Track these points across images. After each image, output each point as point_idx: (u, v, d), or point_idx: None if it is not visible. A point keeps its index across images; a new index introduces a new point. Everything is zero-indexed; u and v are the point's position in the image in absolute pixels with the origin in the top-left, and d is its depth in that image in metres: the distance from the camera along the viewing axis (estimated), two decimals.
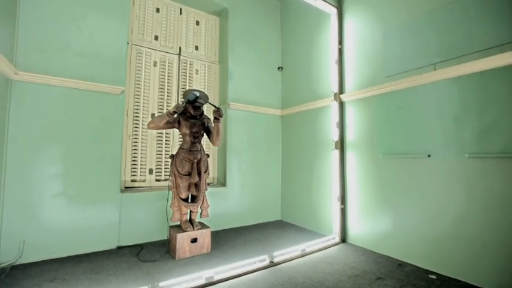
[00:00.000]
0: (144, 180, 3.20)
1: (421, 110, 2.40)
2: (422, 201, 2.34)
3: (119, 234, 2.75)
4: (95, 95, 2.68)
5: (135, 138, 3.17)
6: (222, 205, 3.46)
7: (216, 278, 2.03)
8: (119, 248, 2.71)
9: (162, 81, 3.40)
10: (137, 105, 3.20)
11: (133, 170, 3.13)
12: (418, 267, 2.31)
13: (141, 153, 3.19)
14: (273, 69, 4.16)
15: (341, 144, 3.09)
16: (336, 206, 3.01)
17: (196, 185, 2.64)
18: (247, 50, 3.88)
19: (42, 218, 2.40)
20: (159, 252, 2.62)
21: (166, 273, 2.16)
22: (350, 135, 3.04)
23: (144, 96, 3.25)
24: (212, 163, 3.78)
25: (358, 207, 2.89)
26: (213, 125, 2.72)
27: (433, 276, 2.13)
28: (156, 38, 3.41)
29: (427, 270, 2.26)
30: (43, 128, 2.44)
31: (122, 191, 2.87)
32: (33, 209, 2.37)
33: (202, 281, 1.97)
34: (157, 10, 3.44)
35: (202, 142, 2.74)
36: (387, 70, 2.68)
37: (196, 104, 2.63)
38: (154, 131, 3.27)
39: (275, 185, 4.04)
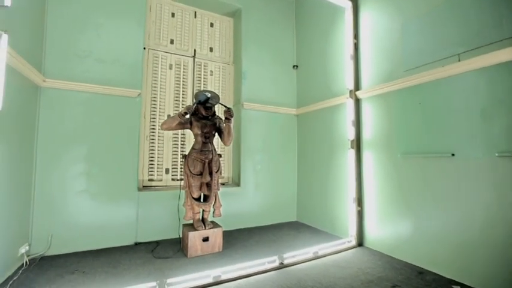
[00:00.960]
0: (161, 180, 3.32)
1: (443, 105, 2.21)
2: (446, 204, 2.15)
3: (137, 231, 2.87)
4: (113, 98, 2.84)
5: (152, 139, 3.30)
6: (236, 205, 3.48)
7: (224, 277, 2.04)
8: (136, 244, 2.84)
9: (177, 84, 3.50)
10: (154, 107, 3.33)
11: (150, 169, 3.26)
12: (441, 277, 2.12)
13: (158, 154, 3.32)
14: (288, 67, 4.10)
15: (357, 144, 2.95)
16: (352, 208, 2.88)
17: (208, 185, 2.68)
18: (261, 49, 3.86)
19: (67, 213, 2.59)
20: (173, 249, 2.70)
21: (176, 270, 2.21)
22: (367, 134, 2.89)
23: (160, 98, 3.37)
24: (227, 163, 3.81)
25: (376, 210, 2.74)
26: (224, 125, 2.74)
27: (458, 287, 1.95)
28: (171, 41, 3.52)
29: (451, 280, 2.07)
30: (68, 130, 2.63)
31: (139, 189, 3.00)
32: (59, 205, 2.57)
33: (209, 280, 1.99)
34: (173, 15, 3.56)
35: (214, 142, 2.78)
36: (406, 64, 2.51)
37: (208, 104, 2.66)
38: (170, 132, 3.38)
39: (291, 186, 3.97)
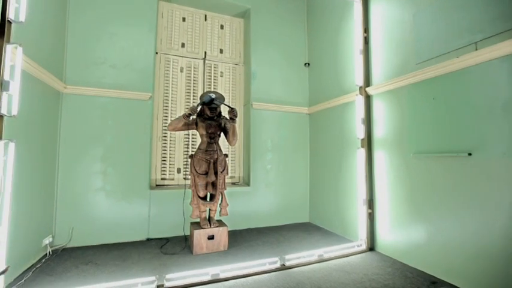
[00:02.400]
0: (173, 179, 3.45)
1: (459, 100, 2.01)
2: (464, 208, 1.95)
3: (148, 227, 3.02)
4: (127, 102, 3.01)
5: (164, 140, 3.44)
6: (246, 204, 3.50)
7: (222, 275, 2.06)
8: (148, 240, 2.99)
9: (188, 86, 3.62)
10: (166, 109, 3.47)
11: (163, 169, 3.41)
12: None
13: (170, 154, 3.45)
14: (299, 65, 4.01)
15: (368, 142, 2.80)
16: (362, 210, 2.74)
17: (214, 184, 2.73)
18: (271, 48, 3.83)
19: (86, 209, 2.81)
20: (181, 246, 2.79)
21: (180, 266, 2.29)
22: (379, 132, 2.73)
23: (172, 100, 3.51)
24: (238, 163, 3.85)
25: (389, 213, 2.57)
26: (229, 125, 2.77)
27: None
28: (182, 45, 3.64)
29: None
30: (86, 132, 2.85)
31: (151, 188, 3.14)
32: (79, 201, 2.79)
33: (208, 278, 2.03)
34: (184, 19, 3.68)
35: (220, 143, 2.82)
36: (418, 56, 2.32)
37: (212, 105, 2.71)
38: (182, 133, 3.49)
39: (303, 186, 3.89)
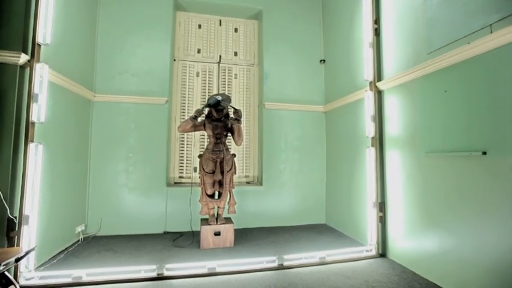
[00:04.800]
0: (189, 177, 3.68)
1: (471, 92, 1.77)
2: (479, 216, 1.71)
3: (166, 221, 3.28)
4: (146, 106, 3.32)
5: (182, 141, 3.68)
6: (258, 204, 3.55)
7: (218, 270, 2.16)
8: (165, 233, 3.24)
9: (203, 89, 3.81)
10: (183, 112, 3.71)
11: (180, 168, 3.66)
12: None
13: (187, 154, 3.69)
14: (315, 63, 3.91)
15: (380, 141, 2.62)
16: (372, 213, 2.57)
17: (220, 183, 2.85)
18: (285, 47, 3.81)
19: (113, 203, 3.18)
20: (191, 240, 2.97)
21: (185, 258, 2.44)
22: (391, 130, 2.54)
23: (188, 103, 3.74)
24: (252, 163, 3.92)
25: (404, 217, 2.37)
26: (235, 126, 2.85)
27: None
28: (198, 51, 3.85)
29: None
30: (112, 135, 3.22)
31: (168, 185, 3.40)
32: (107, 195, 3.17)
33: (204, 270, 2.15)
34: (199, 26, 3.88)
35: (228, 142, 2.92)
36: (430, 45, 2.10)
37: (219, 107, 2.82)
38: (198, 134, 3.70)
39: (319, 186, 3.78)
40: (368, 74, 2.67)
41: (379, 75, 2.66)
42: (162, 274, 2.07)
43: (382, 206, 2.57)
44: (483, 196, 1.69)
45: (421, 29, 2.20)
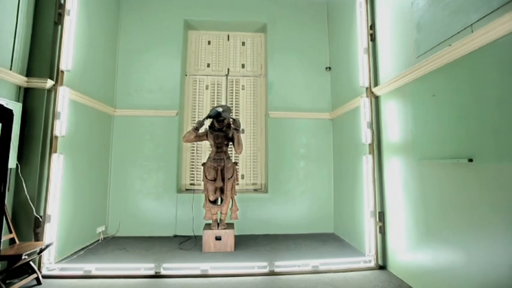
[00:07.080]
0: (200, 184, 3.89)
1: (457, 96, 1.69)
2: (474, 229, 1.59)
3: (176, 225, 3.51)
4: (159, 119, 3.64)
5: (192, 150, 3.93)
6: (263, 211, 3.61)
7: (210, 272, 2.28)
8: (175, 236, 3.47)
9: (212, 101, 4.04)
10: (193, 124, 3.96)
11: (191, 175, 3.90)
12: None
13: (197, 162, 3.92)
14: (320, 70, 3.93)
15: (378, 148, 2.56)
16: (370, 223, 2.49)
17: (222, 189, 3.00)
18: (289, 56, 3.90)
19: (130, 207, 3.51)
20: (195, 244, 3.14)
21: (185, 259, 2.62)
22: (388, 137, 2.46)
23: (198, 115, 4.00)
24: (259, 171, 4.01)
25: (403, 228, 2.26)
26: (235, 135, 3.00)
27: None
28: (208, 65, 4.12)
29: None
30: (130, 145, 3.58)
31: (178, 191, 3.65)
32: (125, 200, 3.51)
33: (197, 272, 2.28)
34: (209, 42, 4.16)
35: (232, 151, 3.07)
36: (418, 48, 2.05)
37: (220, 118, 3.00)
38: (207, 144, 3.91)
39: (327, 195, 3.72)
40: (364, 80, 2.64)
41: (375, 81, 2.61)
42: (159, 273, 2.25)
43: (381, 216, 2.48)
44: (474, 208, 1.58)
45: (410, 32, 2.15)
